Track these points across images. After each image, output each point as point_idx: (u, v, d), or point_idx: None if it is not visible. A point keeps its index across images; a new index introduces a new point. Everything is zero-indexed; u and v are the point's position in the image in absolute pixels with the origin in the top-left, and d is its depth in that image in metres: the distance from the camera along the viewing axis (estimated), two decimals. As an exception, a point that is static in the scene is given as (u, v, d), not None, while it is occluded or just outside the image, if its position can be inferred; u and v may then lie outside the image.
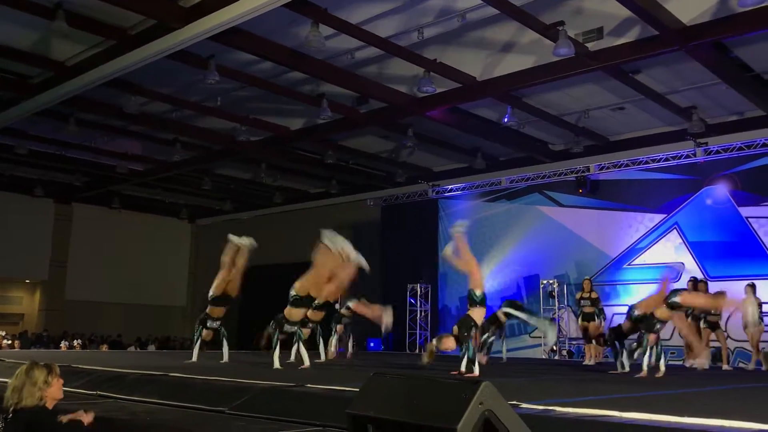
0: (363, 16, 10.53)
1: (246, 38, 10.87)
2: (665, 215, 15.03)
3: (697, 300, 9.64)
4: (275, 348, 8.74)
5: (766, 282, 12.81)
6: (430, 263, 18.53)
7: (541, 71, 11.81)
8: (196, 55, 11.63)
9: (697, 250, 14.41)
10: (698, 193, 14.64)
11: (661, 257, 14.87)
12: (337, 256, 9.02)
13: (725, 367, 11.61)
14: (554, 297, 15.68)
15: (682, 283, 13.71)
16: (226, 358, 10.06)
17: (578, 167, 16.19)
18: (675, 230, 14.84)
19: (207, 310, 10.28)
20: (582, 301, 12.90)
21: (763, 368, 11.59)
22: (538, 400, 4.75)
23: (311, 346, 10.03)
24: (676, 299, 8.64)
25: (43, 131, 16.50)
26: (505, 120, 13.78)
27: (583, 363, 12.70)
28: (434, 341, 8.17)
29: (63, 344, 19.09)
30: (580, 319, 13.18)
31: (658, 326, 8.86)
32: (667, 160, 14.89)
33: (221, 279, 10.00)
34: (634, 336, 9.28)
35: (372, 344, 18.08)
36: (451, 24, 10.65)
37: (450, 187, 18.57)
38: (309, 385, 5.78)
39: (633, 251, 15.38)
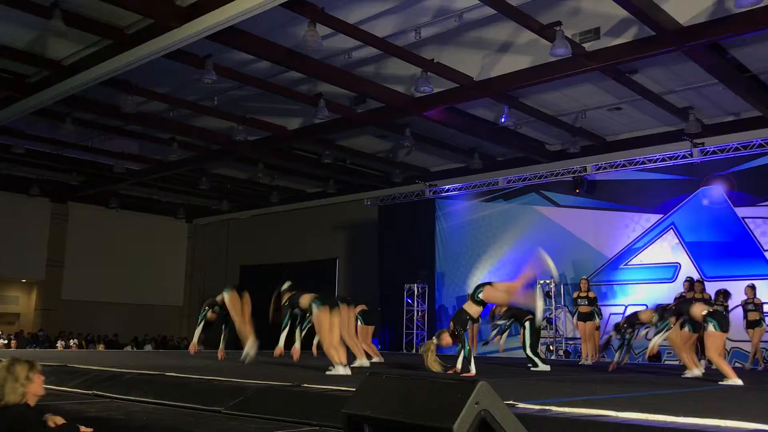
0: (360, 16, 10.54)
1: (243, 38, 10.86)
2: (662, 215, 15.05)
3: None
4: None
5: (763, 282, 12.84)
6: (427, 263, 18.55)
7: (538, 71, 11.82)
8: (193, 54, 11.63)
9: (694, 250, 14.43)
10: (695, 194, 14.67)
11: (657, 257, 14.90)
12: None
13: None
14: (551, 297, 15.69)
15: (678, 283, 13.77)
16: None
17: (575, 167, 16.21)
18: (672, 230, 14.86)
19: (217, 298, 10.16)
20: (579, 301, 12.93)
21: (760, 368, 11.62)
22: (535, 399, 4.75)
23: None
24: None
25: (40, 130, 16.48)
26: (502, 120, 13.79)
27: (580, 363, 12.72)
28: (433, 339, 8.11)
29: (59, 344, 19.07)
30: (575, 319, 13.22)
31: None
32: (663, 160, 14.91)
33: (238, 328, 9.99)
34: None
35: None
36: (449, 24, 10.66)
37: (447, 187, 18.58)
38: (305, 385, 5.77)
39: (630, 251, 15.40)
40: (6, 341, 18.89)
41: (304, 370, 8.23)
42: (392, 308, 18.11)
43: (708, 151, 14.32)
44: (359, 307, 11.04)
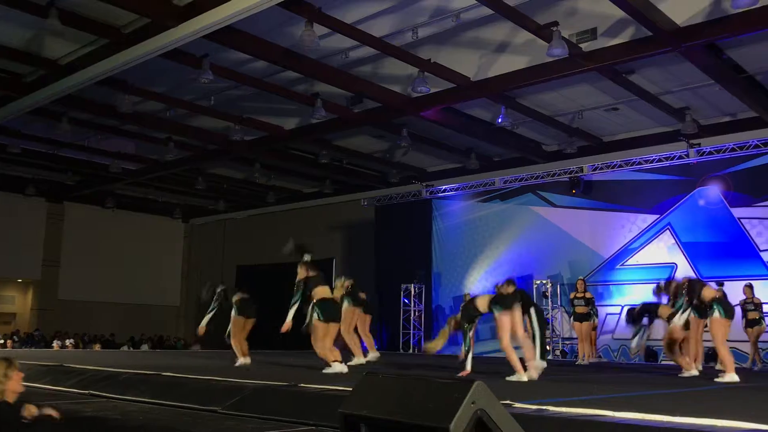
0: (357, 16, 10.53)
1: (240, 37, 10.85)
2: (658, 216, 15.07)
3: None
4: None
5: (760, 282, 12.86)
6: (424, 263, 18.55)
7: (535, 72, 11.83)
8: (190, 54, 11.61)
9: (690, 250, 14.46)
10: (691, 194, 14.70)
11: (654, 258, 14.92)
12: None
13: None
14: (548, 297, 15.71)
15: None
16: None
17: (572, 168, 16.23)
18: (668, 231, 14.89)
19: (233, 298, 10.12)
20: (575, 301, 12.94)
21: (756, 367, 11.63)
22: (531, 399, 4.76)
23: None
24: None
25: (36, 130, 16.45)
26: (499, 120, 13.79)
27: (576, 363, 12.73)
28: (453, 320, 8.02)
29: (56, 344, 19.03)
30: (572, 319, 13.23)
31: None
32: (660, 160, 14.94)
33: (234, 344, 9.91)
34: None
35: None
36: (446, 24, 10.66)
37: (444, 187, 18.59)
38: (302, 385, 5.77)
39: (626, 252, 15.42)
40: (2, 341, 18.87)
41: (301, 370, 8.23)
42: (389, 308, 18.10)
43: (704, 152, 14.35)
44: (361, 294, 10.76)
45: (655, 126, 14.96)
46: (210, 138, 16.58)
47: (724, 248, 13.99)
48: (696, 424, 3.86)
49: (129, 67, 11.52)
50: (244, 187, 21.82)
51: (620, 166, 15.54)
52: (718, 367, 11.51)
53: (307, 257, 8.41)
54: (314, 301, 8.05)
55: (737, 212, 14.05)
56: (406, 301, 18.18)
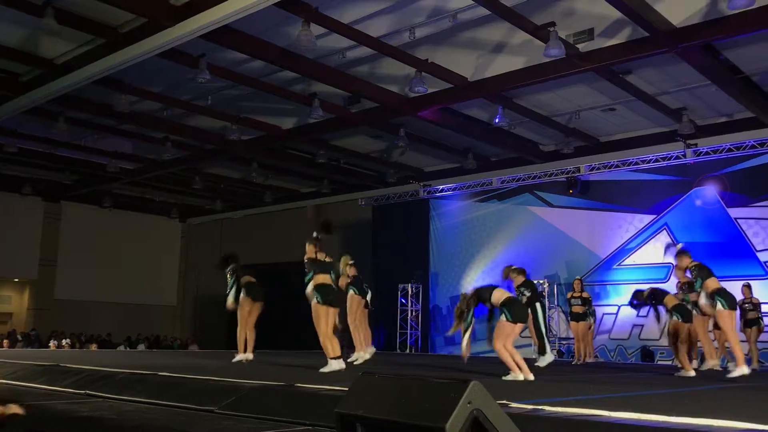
0: (354, 16, 10.53)
1: (237, 37, 10.85)
2: (655, 216, 15.10)
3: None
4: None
5: (756, 282, 12.88)
6: (421, 263, 18.56)
7: (532, 72, 11.84)
8: (187, 53, 11.60)
9: (687, 250, 14.45)
10: (688, 194, 14.72)
11: (650, 258, 14.94)
12: None
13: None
14: (545, 297, 15.72)
15: (671, 283, 13.79)
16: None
17: (569, 168, 16.25)
18: (665, 231, 14.91)
19: (242, 279, 9.89)
20: (572, 301, 12.95)
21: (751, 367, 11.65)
22: (527, 399, 4.76)
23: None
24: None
25: (33, 129, 16.42)
26: (496, 120, 13.80)
27: (573, 362, 12.74)
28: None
29: (52, 343, 19.00)
30: (569, 319, 13.24)
31: None
32: (657, 161, 14.97)
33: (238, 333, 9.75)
34: None
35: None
36: (443, 24, 10.67)
37: (441, 187, 18.60)
38: (298, 385, 5.77)
39: (623, 251, 15.45)
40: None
41: (297, 370, 8.22)
42: (386, 308, 18.11)
43: (701, 152, 14.38)
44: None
45: (652, 126, 14.98)
46: (207, 138, 16.56)
47: (721, 248, 14.01)
48: (693, 424, 3.87)
49: (126, 66, 11.50)
50: (242, 186, 21.81)
51: (617, 166, 15.57)
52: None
53: (317, 235, 8.26)
54: (314, 285, 7.97)
55: (734, 212, 14.08)
56: (403, 300, 18.19)
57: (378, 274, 18.94)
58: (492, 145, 16.43)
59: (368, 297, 10.38)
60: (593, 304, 13.70)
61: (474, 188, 18.00)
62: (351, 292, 10.12)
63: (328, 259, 8.30)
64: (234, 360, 9.53)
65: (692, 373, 8.92)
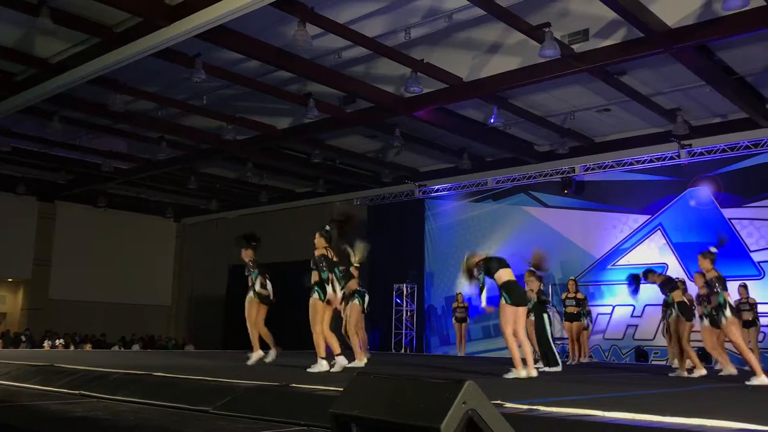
0: (350, 16, 10.53)
1: (232, 37, 10.84)
2: (649, 216, 15.14)
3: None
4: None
5: (750, 283, 12.93)
6: (417, 263, 18.57)
7: (528, 72, 11.86)
8: (182, 53, 11.59)
9: (681, 250, 14.52)
10: (682, 195, 14.77)
11: (645, 258, 14.96)
12: None
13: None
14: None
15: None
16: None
17: (563, 168, 16.29)
18: (659, 231, 14.95)
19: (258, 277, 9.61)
20: (567, 301, 12.98)
21: (746, 368, 11.68)
22: (522, 399, 4.77)
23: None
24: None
25: (27, 128, 16.37)
26: (492, 121, 13.83)
27: (567, 363, 12.76)
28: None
29: (46, 344, 18.96)
30: (563, 319, 13.26)
31: None
32: (651, 161, 15.02)
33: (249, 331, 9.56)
34: None
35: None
36: (438, 24, 10.68)
37: (436, 187, 18.62)
38: (293, 385, 5.76)
39: (617, 252, 15.48)
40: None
41: (293, 370, 8.22)
42: (381, 308, 18.11)
43: (695, 153, 14.43)
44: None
45: (646, 127, 15.02)
46: (202, 137, 16.54)
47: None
48: (687, 423, 3.88)
49: (121, 66, 11.48)
50: (237, 186, 21.79)
51: (612, 166, 15.62)
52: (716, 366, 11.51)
53: (329, 228, 8.07)
54: (315, 281, 7.89)
55: (728, 213, 14.13)
56: (398, 300, 18.20)
57: (373, 274, 18.93)
58: (487, 145, 16.45)
59: (366, 301, 10.36)
60: (588, 304, 13.75)
61: (469, 188, 18.03)
62: (356, 300, 10.03)
63: (335, 258, 8.21)
64: (250, 362, 9.24)
65: (704, 372, 8.86)
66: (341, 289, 8.13)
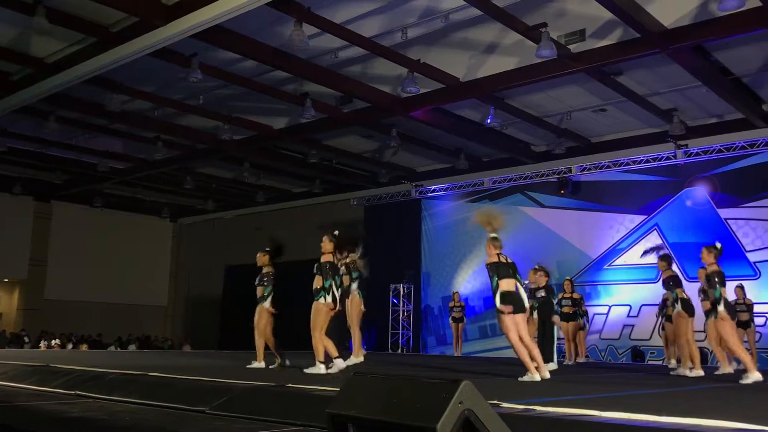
0: (347, 16, 10.53)
1: (229, 37, 10.83)
2: (646, 216, 15.16)
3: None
4: None
5: (747, 283, 12.95)
6: (413, 263, 18.57)
7: (524, 72, 11.87)
8: (179, 53, 11.57)
9: (677, 251, 14.50)
10: (678, 195, 14.80)
11: (641, 258, 14.98)
12: None
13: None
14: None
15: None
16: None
17: (560, 168, 16.31)
18: (655, 231, 14.97)
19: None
20: (563, 301, 12.99)
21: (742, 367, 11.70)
22: (519, 399, 4.77)
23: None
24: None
25: (23, 128, 16.33)
26: (488, 121, 13.83)
27: (564, 363, 12.76)
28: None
29: (42, 344, 18.91)
30: (559, 319, 13.26)
31: None
32: (648, 161, 15.04)
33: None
34: None
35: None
36: (435, 25, 10.68)
37: (433, 187, 18.62)
38: (290, 385, 5.76)
39: (614, 252, 15.50)
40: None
41: (289, 370, 8.21)
42: (378, 308, 18.10)
43: (691, 153, 14.45)
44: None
45: (642, 127, 15.04)
46: (199, 137, 16.52)
47: (711, 249, 14.06)
48: (683, 423, 3.89)
49: (117, 66, 11.45)
50: (233, 186, 21.77)
51: (608, 166, 15.64)
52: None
53: (337, 232, 8.11)
54: (321, 284, 7.86)
55: (724, 213, 14.16)
56: (395, 301, 18.19)
57: (370, 274, 18.91)
58: (484, 146, 16.46)
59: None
60: (584, 304, 13.76)
61: (466, 188, 18.04)
62: (358, 297, 9.99)
63: (341, 263, 8.26)
64: (249, 366, 9.18)
65: (701, 372, 8.86)
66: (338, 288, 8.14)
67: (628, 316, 15.08)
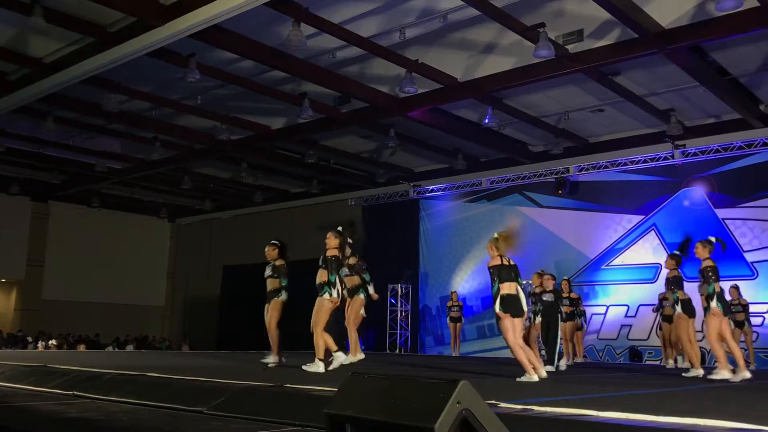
0: (345, 16, 10.53)
1: (227, 36, 10.82)
2: (643, 216, 15.18)
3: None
4: None
5: (743, 283, 12.97)
6: (411, 263, 18.57)
7: (522, 73, 11.88)
8: (177, 53, 11.56)
9: (675, 251, 14.55)
10: (676, 195, 14.81)
11: (639, 258, 15.01)
12: None
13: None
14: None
15: (660, 283, 13.86)
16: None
17: (558, 168, 16.32)
18: (653, 231, 14.99)
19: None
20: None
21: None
22: (516, 399, 4.77)
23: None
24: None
25: (21, 128, 16.32)
26: (486, 121, 13.83)
27: (560, 369, 12.76)
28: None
29: (40, 344, 18.88)
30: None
31: None
32: (645, 161, 15.06)
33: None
34: None
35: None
36: (433, 25, 10.68)
37: (431, 187, 18.63)
38: (287, 385, 5.76)
39: (611, 252, 15.51)
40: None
41: (287, 370, 8.21)
42: (376, 308, 18.07)
43: (689, 153, 14.47)
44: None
45: (640, 127, 15.05)
46: (196, 137, 16.51)
47: (709, 249, 14.07)
48: (681, 423, 3.88)
49: (115, 65, 11.44)
50: (231, 186, 21.75)
51: (606, 167, 15.65)
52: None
53: (340, 228, 8.09)
54: (324, 280, 7.85)
55: (721, 213, 14.17)
56: (393, 301, 18.19)
57: (368, 274, 18.93)
58: (481, 146, 16.46)
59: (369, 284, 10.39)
60: (582, 304, 13.76)
61: (463, 189, 18.05)
62: (362, 295, 9.98)
63: (345, 261, 8.25)
64: (264, 359, 9.10)
65: (700, 372, 8.86)
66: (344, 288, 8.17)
67: (626, 316, 15.10)
